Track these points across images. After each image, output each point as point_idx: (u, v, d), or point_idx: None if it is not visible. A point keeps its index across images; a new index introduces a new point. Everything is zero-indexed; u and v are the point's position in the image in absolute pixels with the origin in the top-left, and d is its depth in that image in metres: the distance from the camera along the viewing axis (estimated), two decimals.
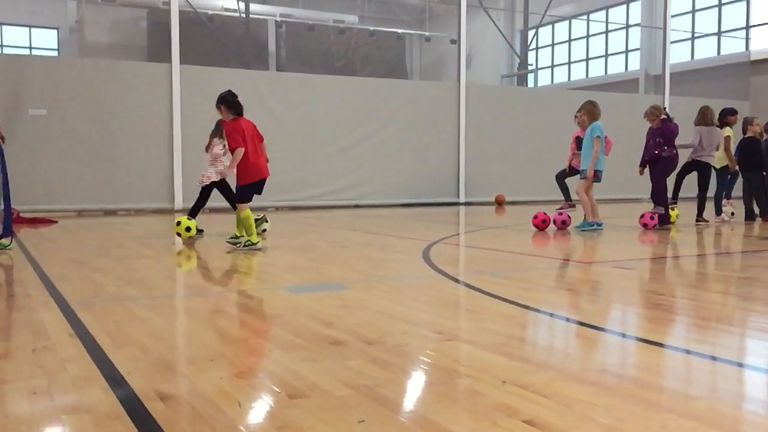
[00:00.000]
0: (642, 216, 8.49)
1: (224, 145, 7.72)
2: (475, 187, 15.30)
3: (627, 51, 23.19)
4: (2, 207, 5.42)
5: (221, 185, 8.00)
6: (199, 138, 13.00)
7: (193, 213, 7.89)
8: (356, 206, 14.26)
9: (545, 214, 8.24)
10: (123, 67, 12.60)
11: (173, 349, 2.79)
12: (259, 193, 6.49)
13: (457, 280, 4.53)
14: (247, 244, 6.33)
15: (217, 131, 7.91)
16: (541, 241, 7.27)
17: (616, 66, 23.45)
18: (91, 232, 9.00)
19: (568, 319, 3.29)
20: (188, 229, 7.23)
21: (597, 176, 7.99)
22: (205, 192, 7.99)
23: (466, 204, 14.99)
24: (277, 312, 3.46)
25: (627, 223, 9.66)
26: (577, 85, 23.14)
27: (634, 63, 22.73)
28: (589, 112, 8.03)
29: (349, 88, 14.26)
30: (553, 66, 25.89)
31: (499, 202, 15.09)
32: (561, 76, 25.31)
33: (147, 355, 2.62)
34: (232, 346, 2.76)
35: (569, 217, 8.40)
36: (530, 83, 25.41)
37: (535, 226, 8.11)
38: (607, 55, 23.88)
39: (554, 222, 8.19)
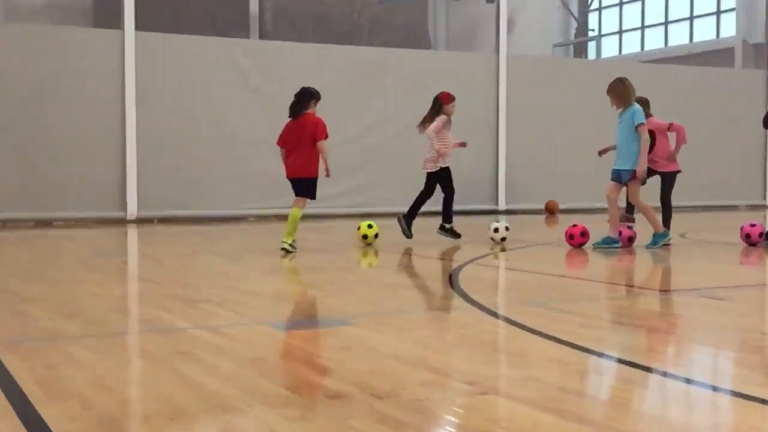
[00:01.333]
0: (742, 228, 8.48)
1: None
2: (518, 191, 15.30)
3: (719, 12, 23.15)
4: None
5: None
6: (160, 126, 13.18)
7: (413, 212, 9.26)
8: (363, 215, 14.27)
9: (577, 227, 8.18)
10: (61, 34, 12.73)
11: (123, 403, 2.80)
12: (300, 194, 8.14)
13: (494, 314, 4.52)
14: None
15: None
16: (603, 263, 7.25)
17: (704, 32, 23.42)
18: (17, 248, 9.06)
19: (639, 367, 3.28)
20: (375, 235, 8.63)
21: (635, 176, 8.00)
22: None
23: (508, 213, 15.00)
24: (259, 355, 3.47)
25: (716, 236, 9.61)
26: (652, 56, 23.12)
27: (728, 28, 22.69)
28: (619, 93, 7.92)
29: (354, 61, 14.32)
30: (621, 32, 25.88)
31: (551, 210, 15.07)
32: (631, 44, 25.32)
33: (89, 411, 2.63)
34: (199, 400, 2.77)
35: (635, 232, 8.40)
36: (591, 54, 25.40)
37: (570, 243, 8.14)
38: (692, 18, 23.84)
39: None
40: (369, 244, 8.62)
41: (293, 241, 7.90)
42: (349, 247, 8.75)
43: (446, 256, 7.55)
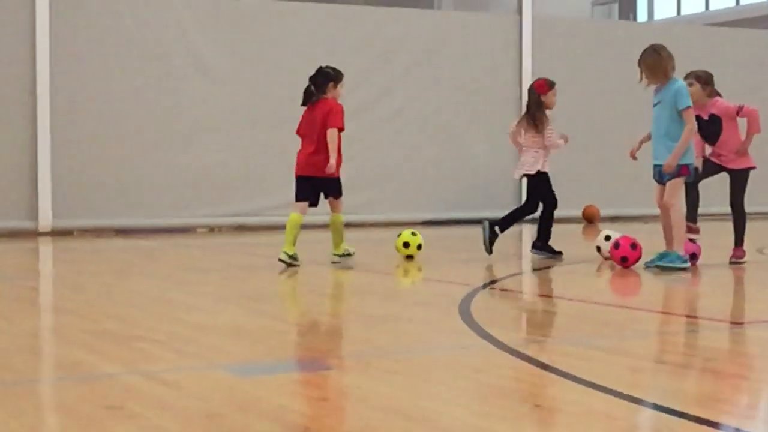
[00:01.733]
0: None
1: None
2: None
3: None
4: None
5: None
6: (81, 112, 13.11)
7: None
8: (346, 225, 14.23)
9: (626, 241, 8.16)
10: None
11: None
12: (308, 198, 8.83)
13: (517, 353, 4.53)
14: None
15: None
16: (658, 288, 7.26)
17: None
18: None
19: (704, 422, 3.30)
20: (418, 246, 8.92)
21: (688, 171, 7.93)
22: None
23: (534, 221, 14.98)
24: (213, 409, 3.47)
25: None
26: (721, 18, 23.22)
27: None
28: (653, 66, 7.91)
29: (336, 23, 14.34)
30: None
31: (590, 219, 15.08)
32: (694, 2, 25.42)
33: None
34: None
35: (699, 246, 8.38)
36: (641, 15, 25.50)
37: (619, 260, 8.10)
38: None
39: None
40: (410, 257, 8.88)
41: (294, 253, 8.38)
42: (326, 266, 8.76)
43: (456, 279, 7.56)
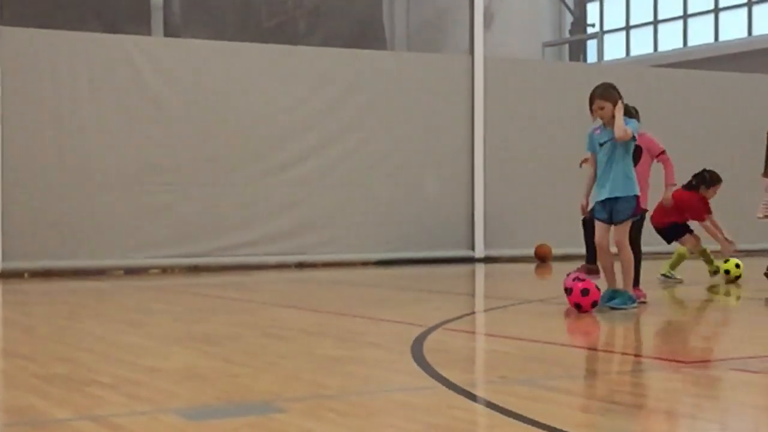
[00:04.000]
0: None
1: None
2: (501, 233, 15.36)
3: (751, 4, 23.69)
4: None
5: None
6: (31, 151, 12.99)
7: None
8: (300, 265, 14.24)
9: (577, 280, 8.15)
10: None
11: None
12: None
13: (469, 395, 4.53)
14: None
15: None
16: (607, 327, 7.30)
17: (731, 28, 23.89)
18: None
19: None
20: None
21: (640, 209, 8.06)
22: None
23: (487, 260, 15.06)
24: None
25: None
26: (671, 59, 23.53)
27: (762, 24, 23.18)
28: (614, 99, 7.81)
29: (288, 64, 14.37)
30: (629, 27, 26.36)
31: (542, 258, 15.15)
32: (642, 44, 25.77)
33: None
34: None
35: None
36: (591, 56, 25.81)
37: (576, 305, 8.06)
38: (717, 11, 24.32)
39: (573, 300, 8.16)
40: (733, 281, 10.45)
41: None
42: (278, 307, 8.73)
43: (408, 319, 7.55)
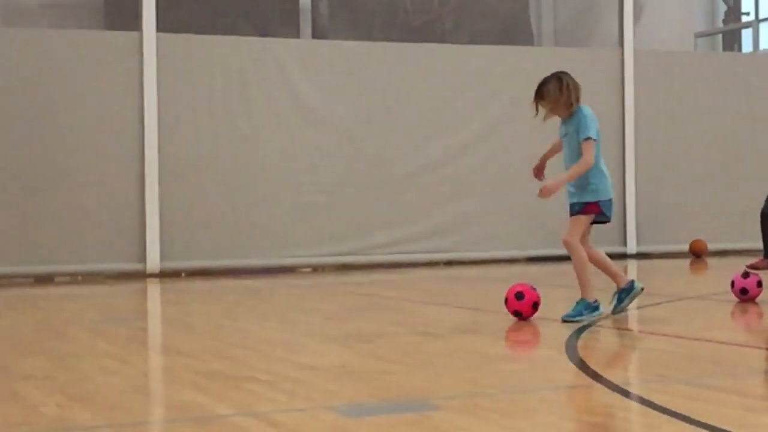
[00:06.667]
0: None
1: None
2: (654, 229, 15.07)
3: None
4: None
5: None
6: (187, 154, 13.35)
7: None
8: (449, 262, 14.24)
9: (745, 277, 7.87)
10: (68, 39, 13.04)
11: None
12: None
13: (626, 394, 4.45)
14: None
15: None
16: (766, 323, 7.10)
17: None
18: (14, 311, 9.26)
19: None
20: None
21: (598, 209, 7.18)
22: None
23: (640, 256, 14.79)
24: None
25: None
26: None
27: None
28: (554, 95, 7.34)
29: (435, 63, 14.38)
30: None
31: (697, 253, 14.80)
32: None
33: None
34: None
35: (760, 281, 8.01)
36: (746, 46, 25.06)
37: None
38: None
39: (732, 287, 7.90)
40: None
41: None
42: (429, 305, 8.73)
43: (560, 317, 7.46)
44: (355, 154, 13.79)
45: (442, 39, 18.62)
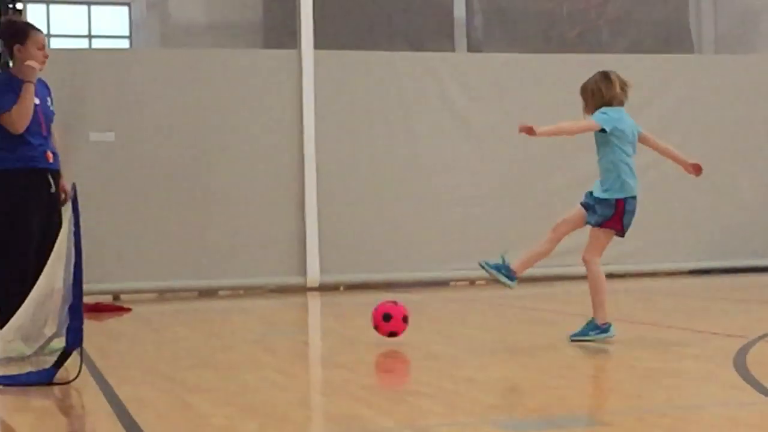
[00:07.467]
0: None
1: None
2: None
3: None
4: (69, 300, 5.77)
5: None
6: (345, 170, 13.52)
7: None
8: (609, 275, 13.97)
9: None
10: (228, 59, 13.41)
11: None
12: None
13: None
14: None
15: None
16: None
17: None
18: (181, 324, 9.54)
19: None
20: None
21: (620, 221, 7.10)
22: None
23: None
24: None
25: None
26: None
27: None
28: (593, 91, 7.32)
29: (593, 73, 14.15)
30: None
31: None
32: None
33: None
34: None
35: None
36: None
37: None
38: None
39: None
40: None
41: None
42: (582, 317, 8.57)
43: (729, 330, 7.25)
44: (511, 166, 13.72)
45: (598, 50, 18.37)
